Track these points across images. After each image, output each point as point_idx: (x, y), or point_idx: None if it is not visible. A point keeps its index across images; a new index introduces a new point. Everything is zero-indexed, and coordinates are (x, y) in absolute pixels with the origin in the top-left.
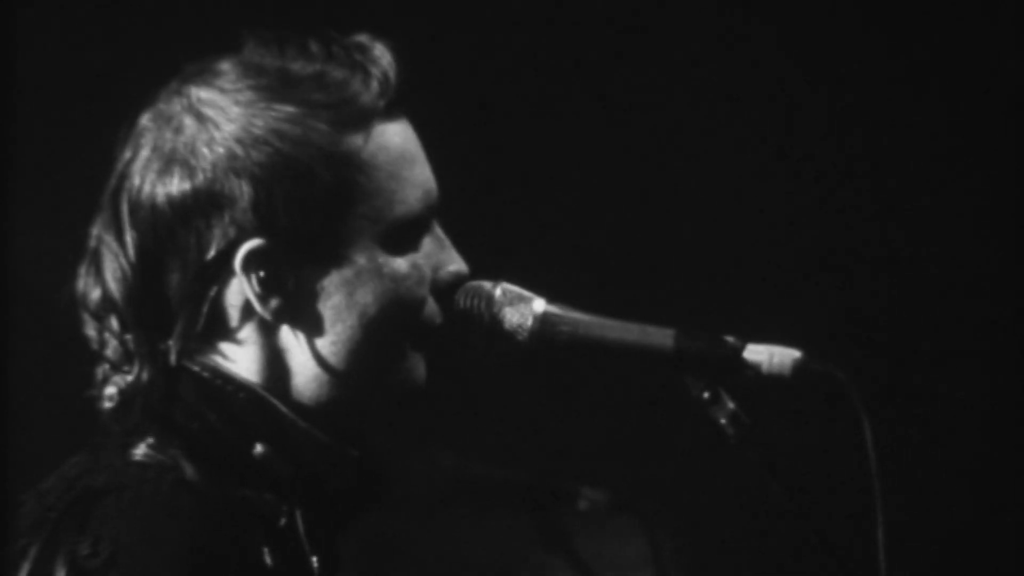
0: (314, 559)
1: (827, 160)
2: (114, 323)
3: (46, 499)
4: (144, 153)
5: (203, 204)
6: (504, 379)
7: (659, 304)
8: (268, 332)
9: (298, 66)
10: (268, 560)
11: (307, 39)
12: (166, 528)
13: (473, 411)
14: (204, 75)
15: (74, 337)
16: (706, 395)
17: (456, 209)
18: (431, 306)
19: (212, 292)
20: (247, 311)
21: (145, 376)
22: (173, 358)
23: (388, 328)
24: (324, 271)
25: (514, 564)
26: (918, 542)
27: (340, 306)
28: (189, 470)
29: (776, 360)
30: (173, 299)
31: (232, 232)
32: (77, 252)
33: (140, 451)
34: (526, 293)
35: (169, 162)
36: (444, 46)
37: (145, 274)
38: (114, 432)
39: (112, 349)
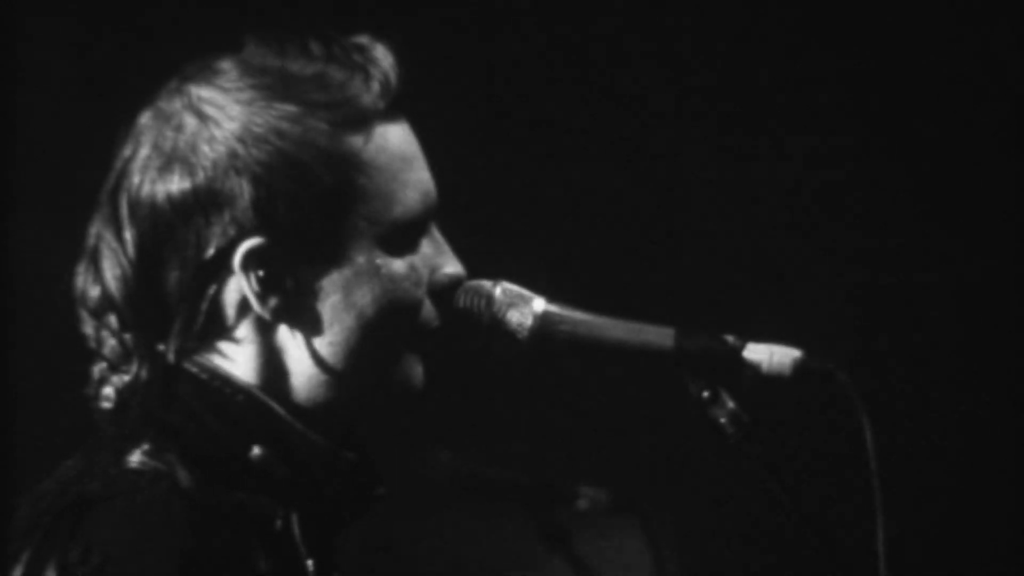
0: (309, 562)
1: (827, 160)
2: (113, 321)
3: (40, 504)
4: (144, 151)
5: (203, 202)
6: (504, 379)
7: (659, 304)
8: (266, 331)
9: (299, 66)
10: (262, 567)
11: (308, 39)
12: (157, 538)
13: (473, 411)
14: (204, 74)
15: (73, 336)
16: (706, 394)
17: (455, 211)
18: (428, 308)
19: (211, 291)
20: (245, 310)
21: (143, 376)
22: (171, 357)
23: (385, 329)
24: (323, 271)
25: (514, 564)
26: (918, 541)
27: (338, 306)
28: (184, 477)
29: (776, 359)
30: (172, 298)
31: (232, 230)
32: (76, 250)
33: (135, 458)
34: (526, 292)
35: (169, 160)
36: (444, 48)
37: (144, 272)
38: (110, 435)
39: (110, 348)
